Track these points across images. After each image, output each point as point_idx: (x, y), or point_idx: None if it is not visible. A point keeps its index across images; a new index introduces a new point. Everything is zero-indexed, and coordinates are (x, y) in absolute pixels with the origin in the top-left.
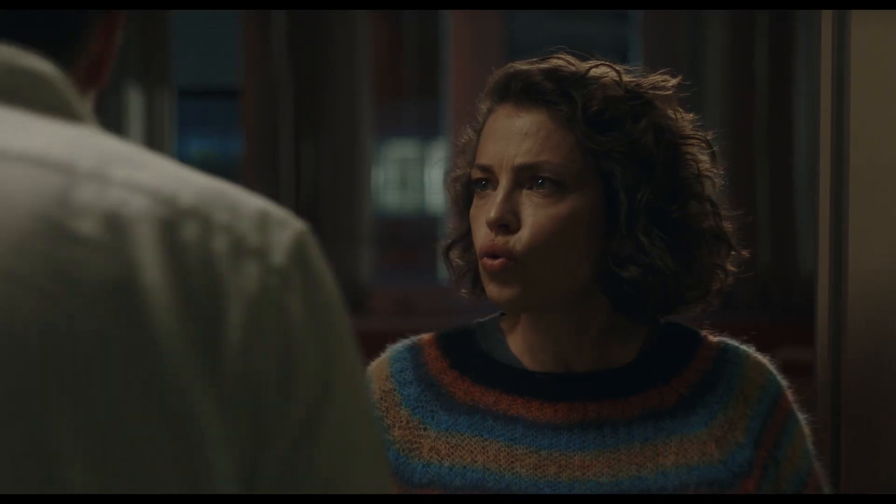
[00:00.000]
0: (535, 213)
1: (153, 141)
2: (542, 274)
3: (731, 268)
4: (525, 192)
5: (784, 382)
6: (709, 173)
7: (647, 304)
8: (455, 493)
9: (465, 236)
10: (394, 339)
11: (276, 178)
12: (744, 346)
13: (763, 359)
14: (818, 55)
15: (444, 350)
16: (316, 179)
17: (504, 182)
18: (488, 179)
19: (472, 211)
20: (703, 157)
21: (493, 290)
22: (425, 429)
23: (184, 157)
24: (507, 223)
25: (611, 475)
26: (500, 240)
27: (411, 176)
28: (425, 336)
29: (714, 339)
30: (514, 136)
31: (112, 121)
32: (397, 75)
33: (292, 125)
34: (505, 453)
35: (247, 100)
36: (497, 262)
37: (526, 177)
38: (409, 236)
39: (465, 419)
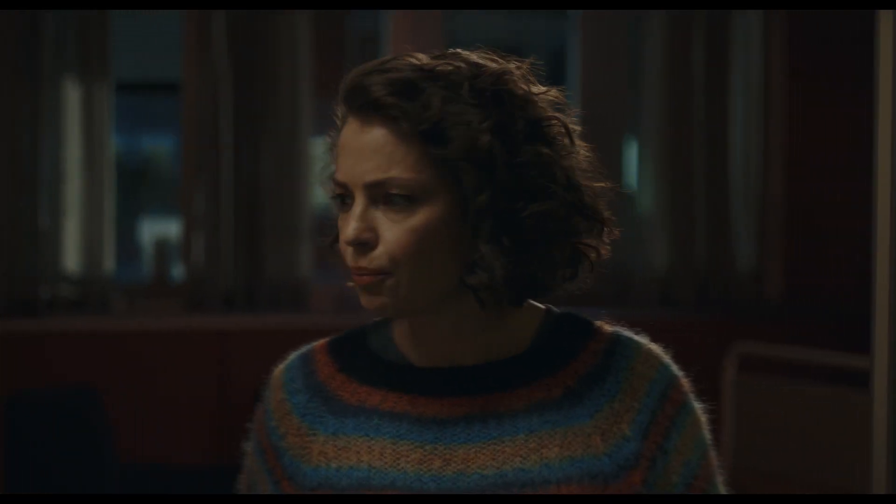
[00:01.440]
0: (390, 228)
1: (91, 136)
2: (406, 284)
3: (604, 245)
4: (381, 206)
5: (678, 373)
6: (566, 153)
7: (499, 301)
8: (343, 493)
9: None
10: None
11: (216, 175)
12: (637, 338)
13: (657, 350)
14: (755, 52)
15: (333, 355)
16: (256, 176)
17: (359, 200)
18: (345, 194)
19: (339, 223)
20: (562, 137)
21: (364, 300)
22: (314, 434)
23: (133, 154)
24: (365, 241)
25: (495, 467)
26: (362, 259)
27: None
28: (318, 343)
29: (608, 329)
30: (362, 152)
31: (50, 115)
32: (337, 73)
33: (232, 121)
34: (390, 450)
35: (187, 95)
36: (364, 278)
37: (378, 193)
38: None
39: (351, 420)
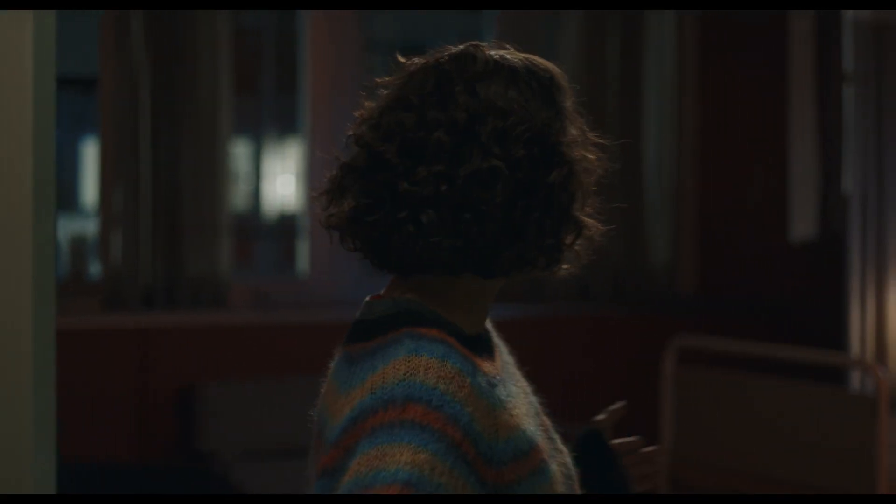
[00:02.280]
0: None
1: None
2: None
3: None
4: None
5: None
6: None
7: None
8: (528, 457)
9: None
10: (251, 332)
11: (135, 172)
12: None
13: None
14: (668, 52)
15: (455, 339)
16: (175, 174)
17: None
18: None
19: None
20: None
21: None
22: (495, 409)
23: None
24: None
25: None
26: None
27: (269, 171)
28: (429, 330)
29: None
30: None
31: None
32: (256, 71)
33: (151, 119)
34: (522, 410)
35: (104, 93)
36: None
37: None
38: (268, 231)
39: (498, 391)
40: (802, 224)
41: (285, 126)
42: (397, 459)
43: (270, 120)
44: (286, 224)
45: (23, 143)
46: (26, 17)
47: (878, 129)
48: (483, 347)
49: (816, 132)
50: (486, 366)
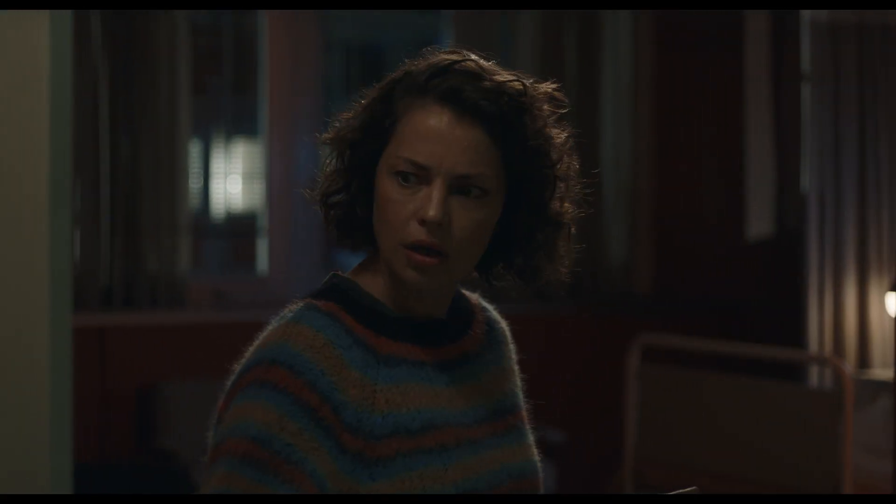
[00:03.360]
0: (464, 216)
1: None
2: (458, 268)
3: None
4: (456, 196)
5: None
6: (565, 174)
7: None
8: (416, 435)
9: (344, 191)
10: (210, 331)
11: (94, 171)
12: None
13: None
14: (624, 52)
15: (353, 314)
16: (134, 173)
17: (439, 184)
18: (416, 174)
19: (394, 195)
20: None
21: (412, 276)
22: (376, 384)
23: None
24: (440, 222)
25: (499, 394)
26: (434, 238)
27: (227, 170)
28: (321, 303)
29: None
30: (453, 144)
31: None
32: (215, 71)
33: (109, 118)
34: (432, 393)
35: None
36: (429, 259)
37: (460, 184)
38: (226, 230)
39: (398, 370)
40: (760, 222)
41: (238, 125)
42: (251, 416)
43: (224, 119)
44: (236, 223)
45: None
46: (43, 17)
47: (835, 127)
48: (418, 332)
49: (773, 131)
50: (393, 346)
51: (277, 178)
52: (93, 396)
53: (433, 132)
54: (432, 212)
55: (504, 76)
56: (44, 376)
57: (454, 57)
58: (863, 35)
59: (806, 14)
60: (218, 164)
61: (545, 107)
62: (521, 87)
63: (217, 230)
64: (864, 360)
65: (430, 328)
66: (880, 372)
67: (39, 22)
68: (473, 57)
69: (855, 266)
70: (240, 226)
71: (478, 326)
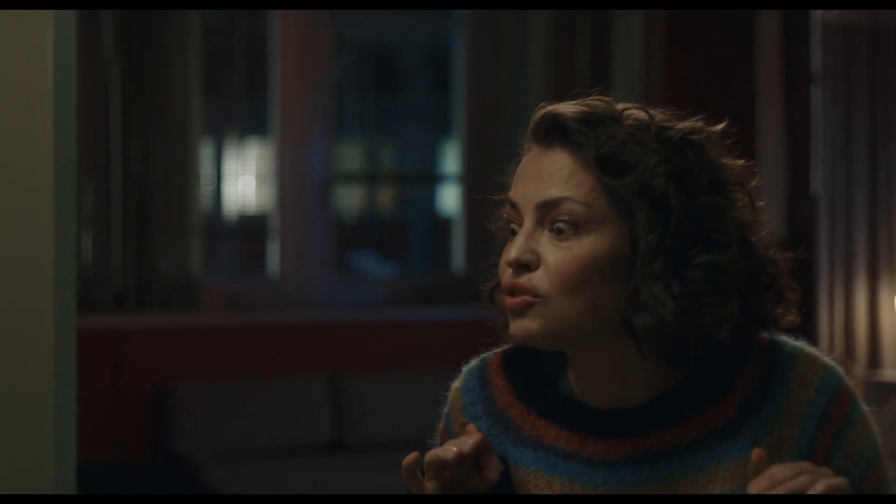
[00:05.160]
0: (553, 252)
1: None
2: (560, 312)
3: (788, 314)
4: (546, 232)
5: (840, 380)
6: (747, 221)
7: (663, 347)
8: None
9: None
10: (223, 333)
11: (106, 174)
12: (794, 349)
13: (816, 359)
14: (636, 52)
15: (510, 378)
16: (145, 175)
17: (528, 221)
18: (516, 218)
19: (504, 250)
20: (744, 205)
21: (512, 325)
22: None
23: None
24: (526, 263)
25: None
26: (521, 280)
27: (241, 171)
28: (494, 358)
29: (764, 341)
30: (539, 174)
31: None
32: (228, 73)
33: (121, 120)
34: (568, 489)
35: (76, 94)
36: (517, 300)
37: (547, 215)
38: (240, 231)
39: (530, 453)
40: (770, 224)
41: (250, 126)
42: None
43: (236, 120)
44: (249, 225)
45: (43, 145)
46: (46, 17)
47: (847, 129)
48: (590, 420)
49: (784, 133)
50: (541, 427)
51: (289, 179)
52: (106, 398)
53: (525, 169)
54: (513, 252)
55: (620, 105)
56: (49, 378)
57: (573, 100)
58: (874, 36)
59: (817, 15)
60: (231, 165)
61: (676, 133)
62: (637, 112)
63: (230, 232)
64: (874, 361)
65: (606, 417)
66: (891, 373)
67: (42, 22)
68: (597, 97)
69: (865, 268)
70: (253, 227)
71: (727, 408)
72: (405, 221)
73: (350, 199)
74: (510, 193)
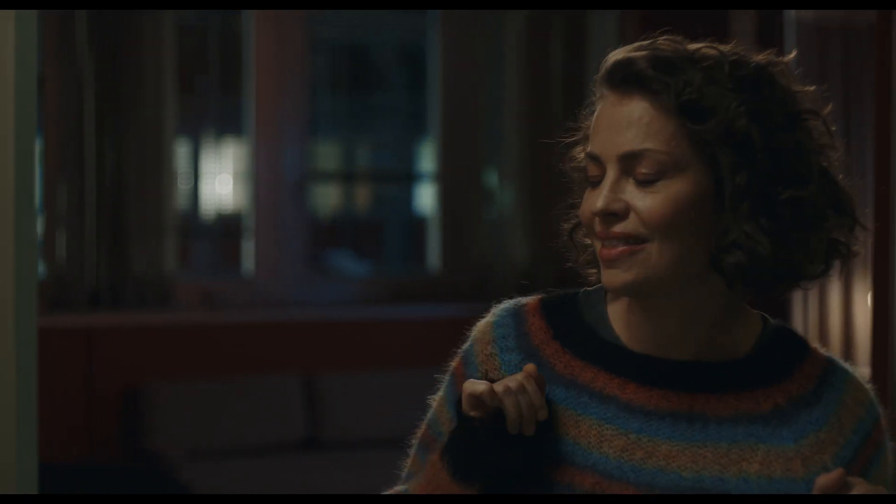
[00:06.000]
0: (642, 199)
1: None
2: (657, 256)
3: (854, 242)
4: (631, 180)
5: (881, 411)
6: (823, 148)
7: (755, 286)
8: (547, 460)
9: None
10: (197, 332)
11: (79, 172)
12: (849, 369)
13: (865, 385)
14: (608, 52)
15: (547, 319)
16: (119, 173)
17: (610, 171)
18: (597, 172)
19: (584, 199)
20: (820, 132)
21: (608, 275)
22: (499, 368)
23: None
24: (614, 212)
25: (694, 470)
26: (612, 229)
27: (217, 170)
28: (530, 301)
29: (822, 353)
30: (618, 124)
31: None
32: (204, 72)
33: (95, 118)
34: (595, 431)
35: (48, 91)
36: (616, 250)
37: (631, 164)
38: (216, 230)
39: (561, 391)
40: None
41: (227, 126)
42: (433, 402)
43: (211, 119)
44: (226, 224)
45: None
46: (7, 16)
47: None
48: (638, 366)
49: None
50: (576, 367)
51: (264, 178)
52: (80, 397)
53: (603, 119)
54: (599, 202)
55: (683, 44)
56: (11, 377)
57: (641, 43)
58: (848, 36)
59: (791, 14)
60: (208, 164)
61: (748, 72)
62: (709, 51)
63: (206, 230)
64: (848, 358)
65: (653, 365)
66: (865, 371)
67: (3, 22)
68: (666, 38)
69: (839, 265)
70: (229, 226)
71: (778, 394)
72: (381, 220)
73: (326, 197)
74: (590, 146)
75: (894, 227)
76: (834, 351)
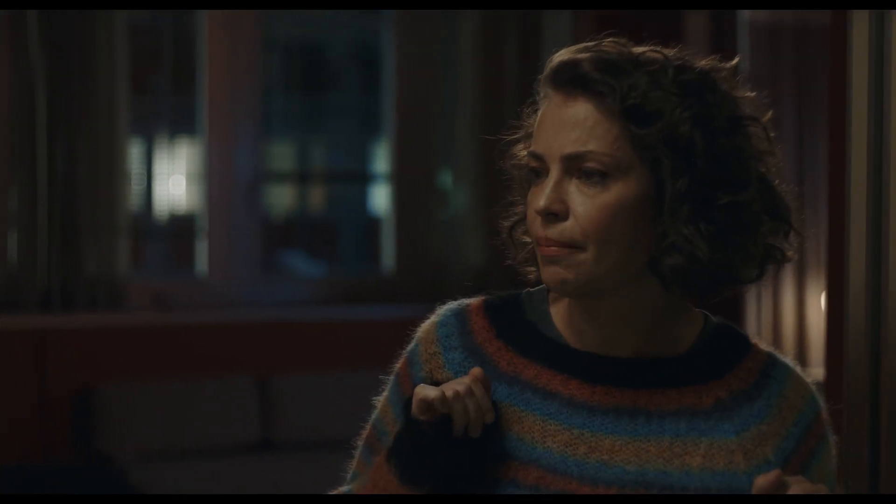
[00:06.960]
0: (583, 202)
1: None
2: (594, 260)
3: (790, 249)
4: (574, 180)
5: (822, 405)
6: (762, 154)
7: (692, 288)
8: (492, 459)
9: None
10: (150, 333)
11: (31, 173)
12: (789, 363)
13: (806, 379)
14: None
15: (490, 319)
16: (72, 174)
17: (553, 171)
18: (541, 167)
19: (529, 196)
20: (759, 138)
21: (546, 272)
22: (443, 367)
23: None
24: (555, 212)
25: (637, 464)
26: (552, 230)
27: (171, 170)
28: (473, 301)
29: (763, 349)
30: (563, 125)
31: None
32: (156, 72)
33: (47, 119)
34: (539, 427)
35: (1, 94)
36: (551, 249)
37: (574, 166)
38: (169, 231)
39: (504, 388)
40: None
41: (180, 126)
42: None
43: (164, 119)
44: (179, 224)
45: None
46: None
47: (774, 128)
48: (579, 363)
49: None
50: (520, 364)
51: (217, 178)
52: (31, 399)
53: (547, 119)
54: (542, 201)
55: (628, 47)
56: None
57: (587, 44)
58: (801, 36)
59: (744, 15)
60: (162, 164)
61: (693, 77)
62: (653, 54)
63: (160, 231)
64: (802, 359)
65: (596, 363)
66: (818, 371)
67: None
68: (611, 40)
69: (793, 265)
70: (182, 227)
71: (720, 389)
72: (335, 220)
73: (280, 197)
74: (533, 145)
75: (849, 228)
76: (787, 352)
